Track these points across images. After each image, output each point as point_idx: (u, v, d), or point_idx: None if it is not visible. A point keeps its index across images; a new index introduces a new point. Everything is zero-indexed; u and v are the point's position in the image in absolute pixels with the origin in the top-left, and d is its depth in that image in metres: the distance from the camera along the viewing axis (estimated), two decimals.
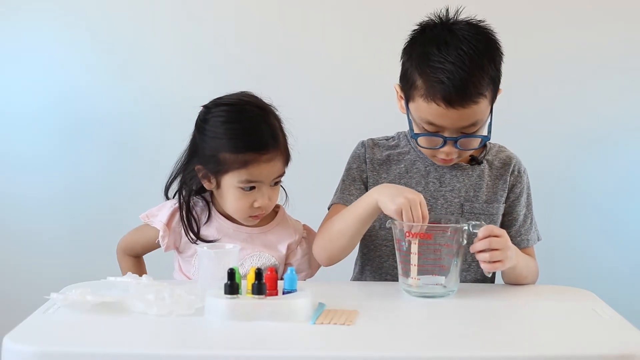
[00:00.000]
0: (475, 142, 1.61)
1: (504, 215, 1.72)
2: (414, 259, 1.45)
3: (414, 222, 1.43)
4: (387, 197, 1.48)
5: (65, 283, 1.51)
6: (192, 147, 1.65)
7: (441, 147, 1.59)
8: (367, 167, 1.72)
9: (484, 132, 1.61)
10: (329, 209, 1.71)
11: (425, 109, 1.56)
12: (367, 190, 1.70)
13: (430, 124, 1.57)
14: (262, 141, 1.58)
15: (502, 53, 1.60)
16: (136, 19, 2.59)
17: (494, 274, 1.66)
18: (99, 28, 2.58)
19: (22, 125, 2.61)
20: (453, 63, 1.52)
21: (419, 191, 1.64)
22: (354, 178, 1.72)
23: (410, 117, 1.62)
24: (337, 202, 1.69)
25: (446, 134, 1.57)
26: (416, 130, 1.61)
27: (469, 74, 1.52)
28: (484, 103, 1.55)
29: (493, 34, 1.60)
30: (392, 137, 1.77)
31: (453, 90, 1.51)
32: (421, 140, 1.62)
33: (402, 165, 1.72)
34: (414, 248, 1.44)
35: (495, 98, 1.61)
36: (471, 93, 1.52)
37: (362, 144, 1.76)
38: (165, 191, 1.69)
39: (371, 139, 1.76)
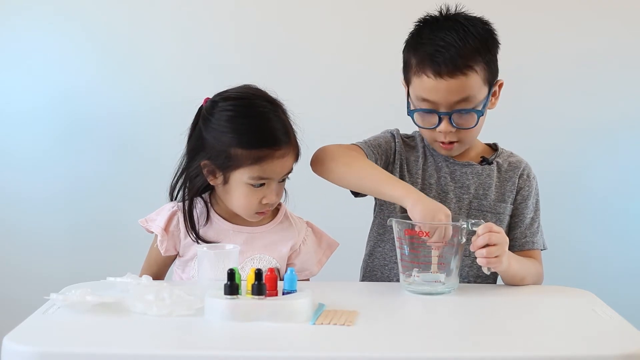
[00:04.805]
0: (471, 119, 1.62)
1: (511, 216, 1.72)
2: (434, 260, 1.48)
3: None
4: (421, 213, 1.47)
5: (65, 283, 1.50)
6: (196, 142, 1.60)
7: (437, 126, 1.61)
8: (397, 147, 1.73)
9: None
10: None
11: (418, 85, 1.60)
12: (388, 162, 1.71)
13: (424, 100, 1.60)
14: (276, 137, 1.55)
15: (498, 42, 1.65)
16: (136, 19, 2.59)
17: (495, 273, 1.66)
18: (99, 28, 2.59)
19: (22, 125, 2.62)
20: (443, 39, 1.58)
21: (431, 184, 1.67)
22: (380, 144, 1.72)
23: (410, 100, 1.65)
24: (362, 147, 1.68)
25: (441, 110, 1.59)
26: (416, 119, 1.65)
27: (457, 48, 1.57)
28: (474, 78, 1.58)
29: (490, 26, 1.65)
30: (412, 137, 1.78)
31: (442, 61, 1.56)
32: (417, 118, 1.65)
33: (420, 161, 1.73)
34: (434, 259, 1.47)
35: (494, 85, 1.64)
36: (459, 64, 1.56)
37: (390, 131, 1.77)
38: (170, 191, 1.65)
39: (397, 129, 1.78)
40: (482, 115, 1.63)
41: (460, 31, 1.59)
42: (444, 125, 1.61)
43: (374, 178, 1.58)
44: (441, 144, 1.66)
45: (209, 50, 2.59)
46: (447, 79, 1.56)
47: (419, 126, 1.67)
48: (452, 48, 1.57)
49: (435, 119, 1.61)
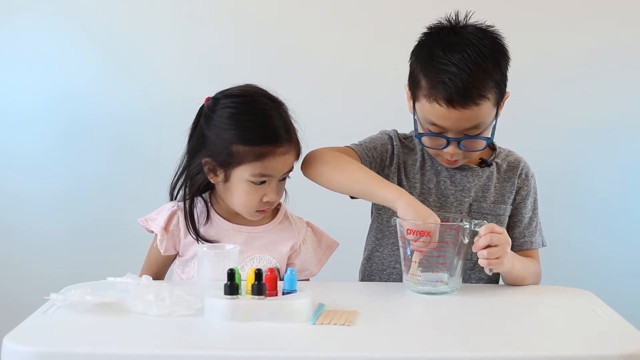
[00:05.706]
0: (480, 144, 1.62)
1: (509, 216, 1.72)
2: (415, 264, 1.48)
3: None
4: (412, 216, 1.47)
5: (65, 283, 1.50)
6: (198, 140, 1.60)
7: (445, 147, 1.60)
8: (395, 150, 1.72)
9: (488, 135, 1.61)
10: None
11: (428, 109, 1.57)
12: (384, 165, 1.70)
13: (434, 124, 1.58)
14: (278, 134, 1.55)
15: (508, 57, 1.61)
16: (136, 19, 2.59)
17: (497, 274, 1.66)
18: (99, 28, 2.59)
19: (22, 125, 2.62)
20: (456, 65, 1.53)
21: (430, 188, 1.66)
22: (375, 147, 1.71)
23: (416, 117, 1.63)
24: (356, 149, 1.67)
25: (449, 135, 1.58)
26: (421, 131, 1.63)
27: (470, 75, 1.53)
28: (486, 105, 1.56)
29: (500, 39, 1.61)
30: (410, 137, 1.77)
31: (454, 91, 1.52)
32: (425, 140, 1.63)
33: (417, 164, 1.72)
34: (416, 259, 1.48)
35: (502, 101, 1.62)
36: (472, 94, 1.53)
37: (387, 133, 1.75)
38: (170, 190, 1.65)
39: (395, 130, 1.76)
40: (491, 142, 1.63)
41: (472, 53, 1.54)
42: (451, 149, 1.60)
43: (365, 181, 1.57)
44: (445, 160, 1.66)
45: (209, 50, 2.59)
46: (460, 109, 1.53)
47: (425, 146, 1.66)
48: (465, 75, 1.52)
49: (444, 141, 1.59)
